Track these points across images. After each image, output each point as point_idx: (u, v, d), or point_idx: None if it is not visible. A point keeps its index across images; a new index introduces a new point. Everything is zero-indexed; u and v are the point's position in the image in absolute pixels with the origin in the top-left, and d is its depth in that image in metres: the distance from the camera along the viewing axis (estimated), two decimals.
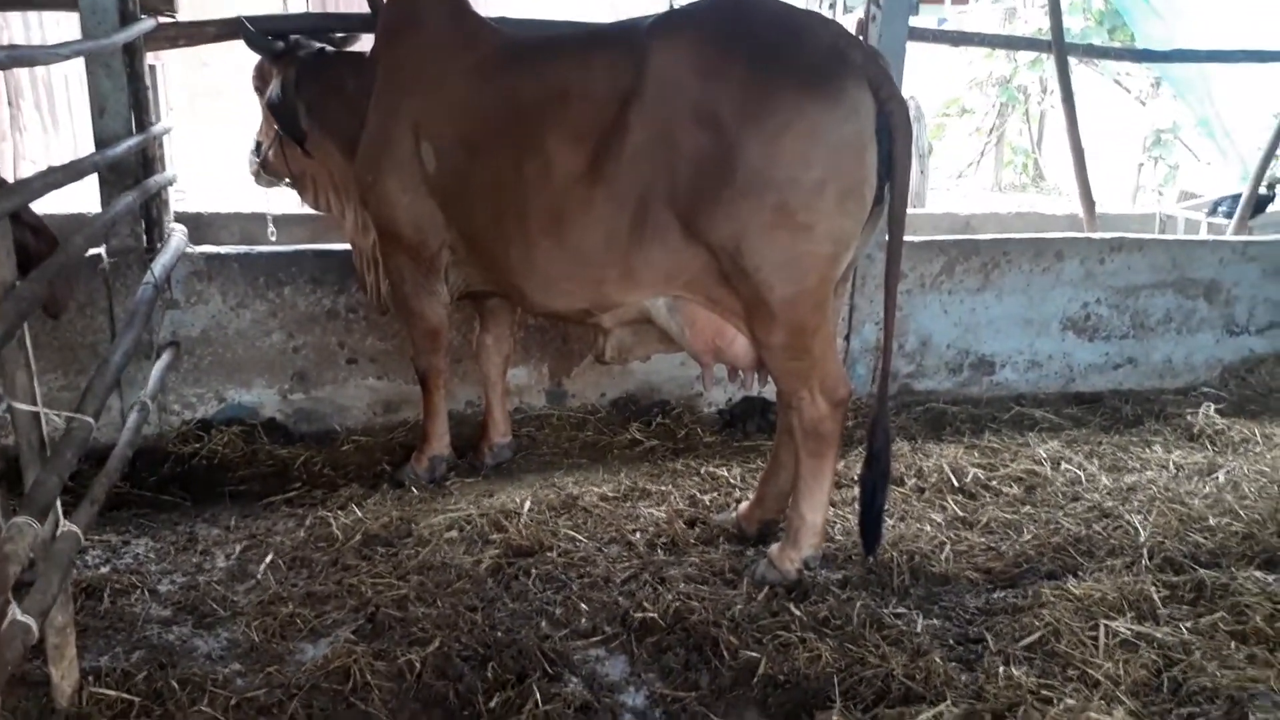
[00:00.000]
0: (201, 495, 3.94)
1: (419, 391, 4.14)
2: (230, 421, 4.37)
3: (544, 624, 3.12)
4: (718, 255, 3.18)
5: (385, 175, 3.73)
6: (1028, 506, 4.00)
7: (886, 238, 3.29)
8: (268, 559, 3.41)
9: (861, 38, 4.75)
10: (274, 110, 4.10)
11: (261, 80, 4.26)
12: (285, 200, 4.87)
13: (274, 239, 4.65)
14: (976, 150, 13.48)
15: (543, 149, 3.35)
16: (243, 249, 4.37)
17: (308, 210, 4.50)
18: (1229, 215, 6.24)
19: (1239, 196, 6.37)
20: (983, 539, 3.75)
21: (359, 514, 3.71)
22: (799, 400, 3.32)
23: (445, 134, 3.61)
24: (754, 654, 2.98)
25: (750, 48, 3.09)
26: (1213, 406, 5.01)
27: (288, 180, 4.32)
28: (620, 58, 3.26)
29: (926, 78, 15.84)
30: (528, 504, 3.79)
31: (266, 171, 4.34)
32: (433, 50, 3.70)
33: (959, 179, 13.58)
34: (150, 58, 4.18)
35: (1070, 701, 2.76)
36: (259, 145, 4.34)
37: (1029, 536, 3.76)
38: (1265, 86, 6.79)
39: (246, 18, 4.11)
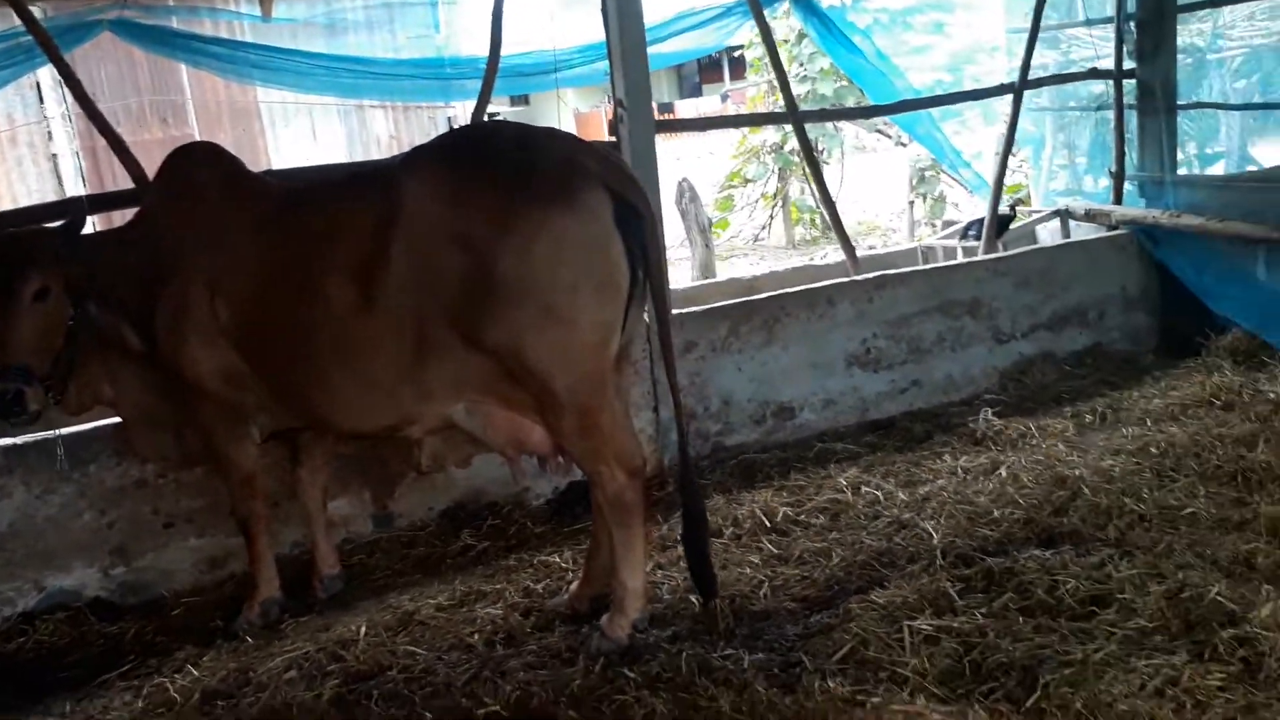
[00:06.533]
0: (33, 688, 3.85)
1: (242, 542, 4.18)
2: (54, 608, 4.28)
3: None
4: (501, 359, 3.42)
5: (188, 335, 3.82)
6: (834, 532, 4.31)
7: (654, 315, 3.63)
8: None
9: (614, 137, 5.15)
10: (104, 319, 3.85)
11: (48, 283, 3.69)
12: None
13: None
14: (766, 215, 14.26)
15: (322, 287, 3.56)
16: (39, 435, 4.33)
17: None
18: (979, 238, 6.87)
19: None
20: (797, 570, 4.02)
21: (195, 673, 3.70)
22: (599, 476, 3.55)
23: (236, 288, 3.76)
24: None
25: (492, 171, 3.40)
26: (990, 411, 5.48)
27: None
28: (376, 194, 3.51)
29: (708, 155, 16.73)
30: (363, 630, 3.86)
31: (74, 395, 3.93)
32: (212, 214, 3.85)
33: (756, 242, 14.32)
34: None
35: (876, 700, 3.02)
36: (29, 374, 3.64)
37: (837, 560, 4.06)
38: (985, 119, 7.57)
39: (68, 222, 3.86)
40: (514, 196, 3.32)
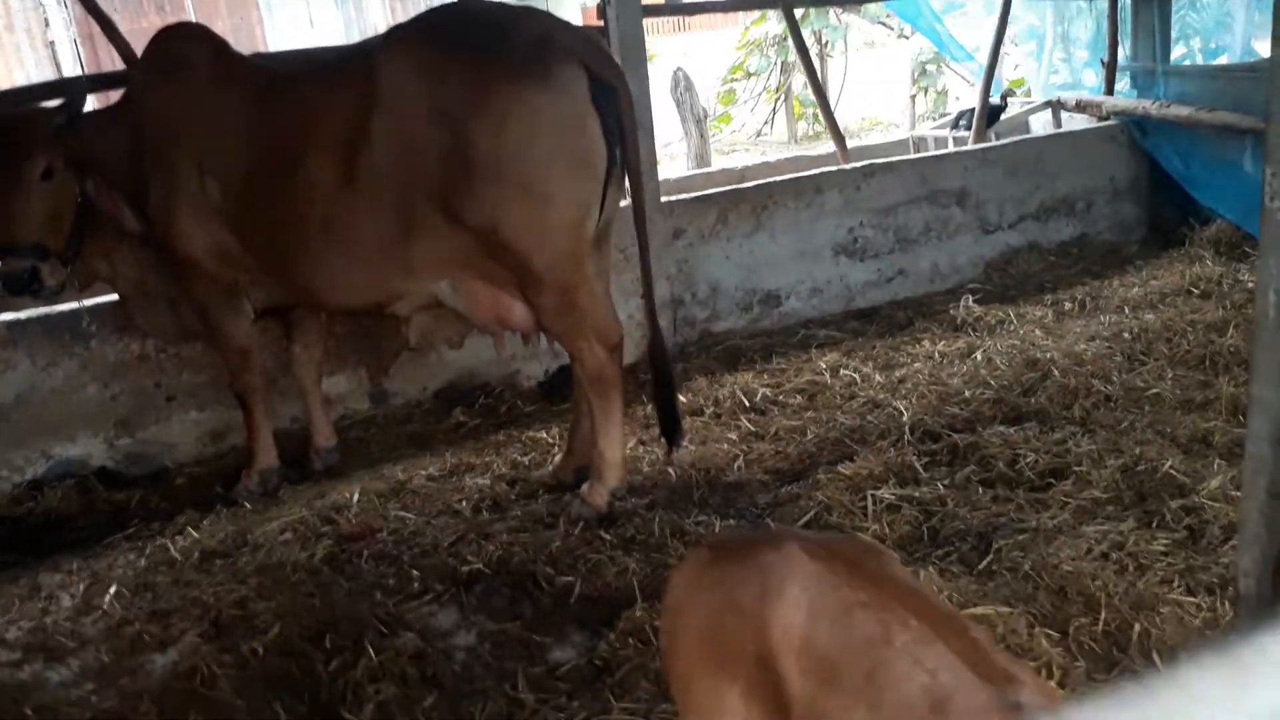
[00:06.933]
0: (43, 549, 4.06)
1: (241, 415, 4.34)
2: (63, 477, 4.47)
3: (379, 595, 3.40)
4: (480, 235, 3.52)
5: (179, 213, 3.92)
6: (810, 411, 4.46)
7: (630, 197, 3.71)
8: (112, 590, 3.57)
9: (602, 22, 5.15)
10: (101, 198, 3.97)
11: (52, 162, 3.81)
12: None
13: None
14: (769, 109, 14.13)
15: (307, 167, 3.65)
16: (43, 310, 4.47)
17: None
18: (970, 128, 6.88)
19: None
20: (771, 446, 4.18)
21: (196, 535, 3.90)
22: (579, 352, 3.69)
23: (225, 166, 3.85)
24: (569, 579, 3.33)
25: (467, 48, 3.45)
26: (971, 298, 5.58)
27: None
28: (356, 75, 3.58)
29: (710, 47, 16.46)
30: (356, 496, 4.05)
31: (84, 269, 4.10)
32: (201, 93, 3.90)
33: (759, 137, 14.22)
34: None
35: None
36: (44, 251, 3.83)
37: (811, 436, 4.22)
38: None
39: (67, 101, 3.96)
40: (489, 72, 3.38)
